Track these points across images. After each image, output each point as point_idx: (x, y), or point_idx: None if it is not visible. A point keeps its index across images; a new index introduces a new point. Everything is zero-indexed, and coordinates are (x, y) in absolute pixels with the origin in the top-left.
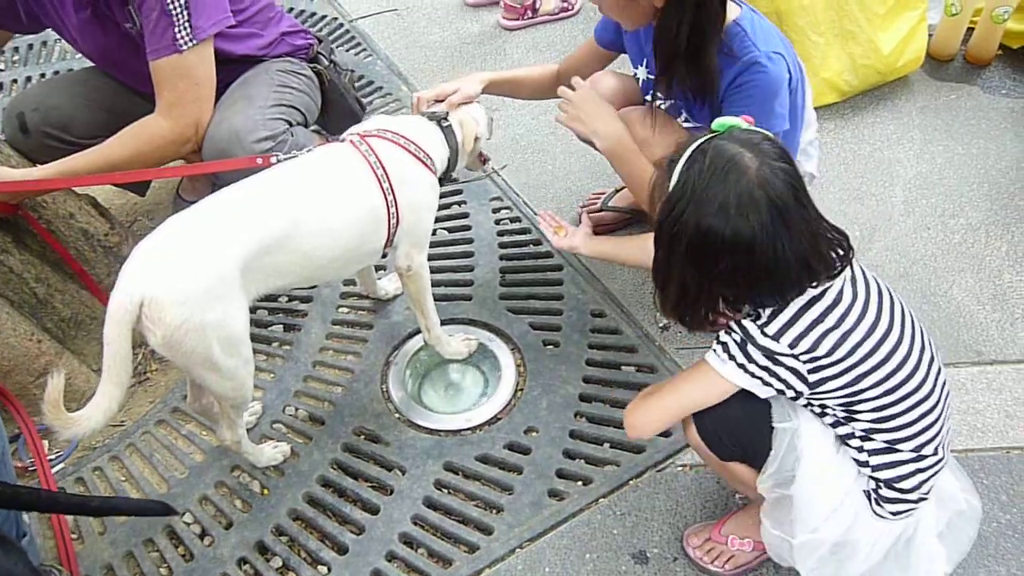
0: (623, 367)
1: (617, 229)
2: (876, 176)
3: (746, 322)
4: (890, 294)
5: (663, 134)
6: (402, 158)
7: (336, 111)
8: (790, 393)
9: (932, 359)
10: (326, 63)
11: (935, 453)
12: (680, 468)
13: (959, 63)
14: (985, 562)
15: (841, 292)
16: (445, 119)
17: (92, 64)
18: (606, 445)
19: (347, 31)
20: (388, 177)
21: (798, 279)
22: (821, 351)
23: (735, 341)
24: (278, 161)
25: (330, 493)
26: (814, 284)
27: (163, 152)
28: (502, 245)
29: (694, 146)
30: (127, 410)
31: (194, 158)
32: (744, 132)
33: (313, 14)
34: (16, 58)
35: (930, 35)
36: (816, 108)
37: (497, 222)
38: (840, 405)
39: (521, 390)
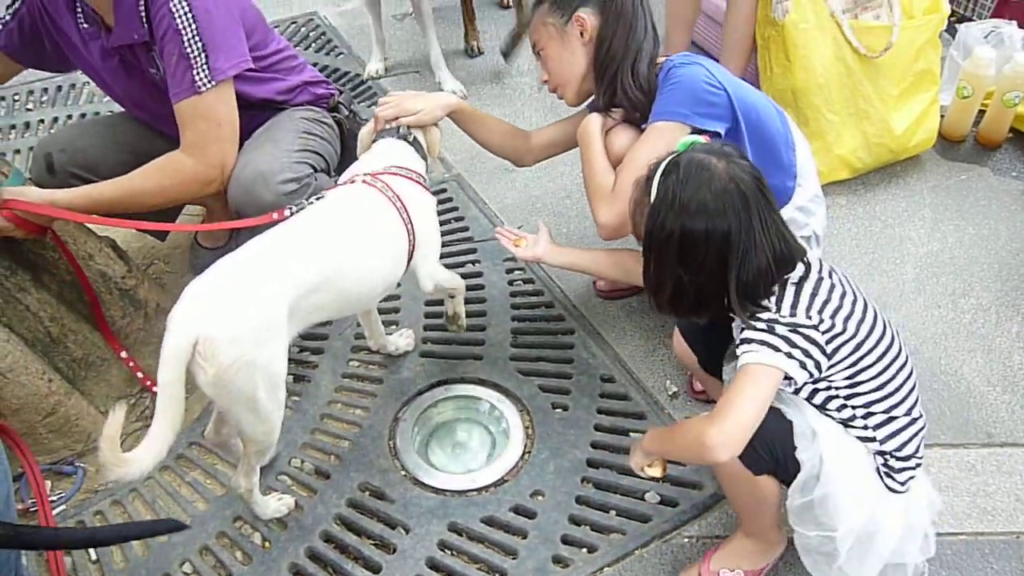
0: (631, 434)
1: (632, 294)
2: (887, 253)
3: (761, 314)
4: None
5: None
6: (409, 188)
7: (351, 159)
8: (816, 372)
9: (887, 323)
10: (346, 113)
11: (920, 414)
12: (687, 539)
13: (970, 144)
14: None
15: (820, 270)
16: (410, 134)
17: (120, 107)
18: (612, 512)
19: (369, 86)
20: (406, 208)
21: (777, 262)
22: (827, 321)
23: (760, 331)
24: (291, 214)
25: (332, 549)
26: (790, 269)
27: (186, 188)
28: (514, 306)
29: (666, 162)
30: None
31: (214, 203)
32: (706, 145)
33: (336, 69)
34: (45, 99)
35: (942, 116)
36: (828, 184)
37: (510, 283)
38: (846, 379)
39: (529, 452)
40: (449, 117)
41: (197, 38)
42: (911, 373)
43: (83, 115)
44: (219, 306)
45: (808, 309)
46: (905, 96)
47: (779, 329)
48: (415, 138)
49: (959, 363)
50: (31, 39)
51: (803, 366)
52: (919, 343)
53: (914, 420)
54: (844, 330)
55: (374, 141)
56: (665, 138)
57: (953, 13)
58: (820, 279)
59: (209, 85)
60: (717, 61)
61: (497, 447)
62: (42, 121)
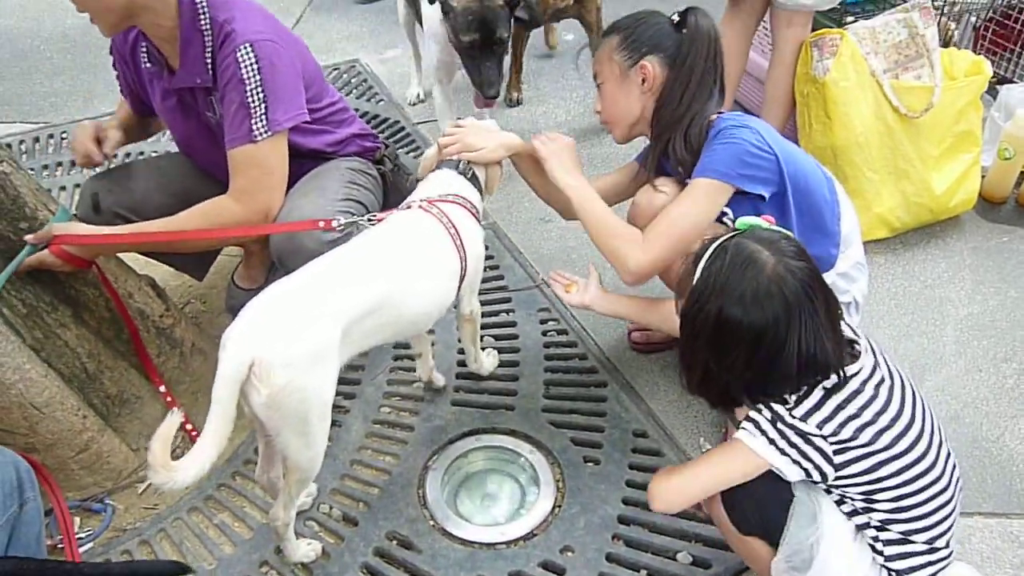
0: None
1: (667, 348)
2: (926, 314)
3: (774, 404)
4: (910, 385)
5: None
6: (464, 217)
7: (389, 207)
8: (816, 476)
9: (948, 454)
10: (391, 166)
11: (946, 546)
12: None
13: (1011, 206)
14: None
15: (864, 383)
16: (469, 169)
17: (169, 151)
18: (643, 572)
19: (408, 133)
20: (460, 235)
21: (803, 372)
22: (845, 435)
23: (766, 419)
24: (339, 226)
25: None
26: (821, 378)
27: (228, 233)
28: (548, 357)
29: (717, 243)
30: (161, 494)
31: (253, 245)
32: (764, 231)
33: (376, 115)
34: None
35: (983, 177)
36: (867, 242)
37: (544, 333)
38: (861, 493)
39: (559, 506)
40: (509, 158)
41: (259, 89)
42: (952, 510)
43: (128, 155)
44: (275, 328)
45: (825, 421)
46: (946, 156)
47: (781, 425)
48: (474, 173)
49: (1001, 429)
50: (126, 82)
51: (797, 464)
52: (960, 407)
53: (935, 550)
54: (867, 443)
55: (435, 169)
56: (707, 196)
57: (994, 75)
58: (856, 392)
59: (265, 135)
60: (758, 117)
61: (527, 500)
62: None
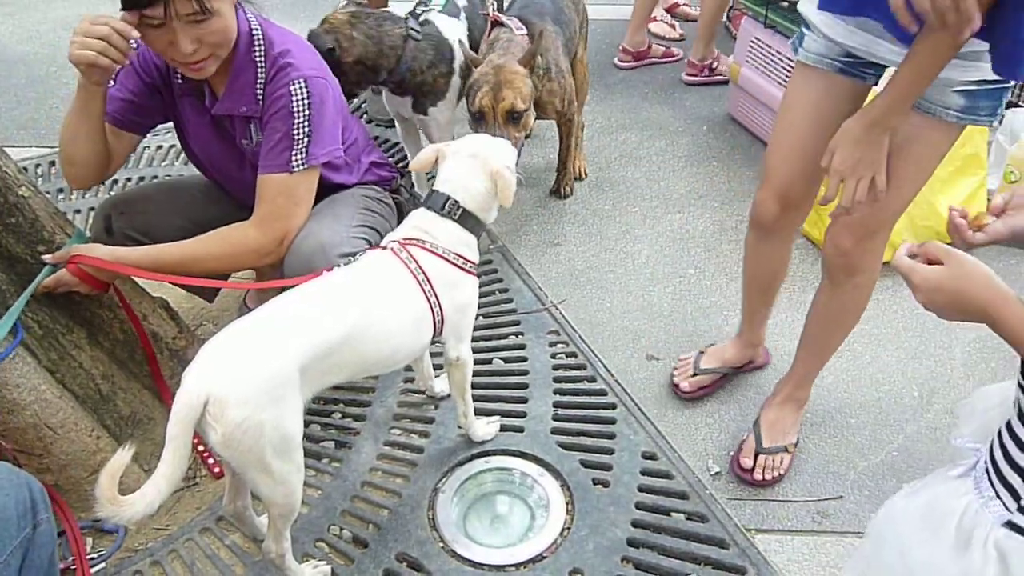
0: (672, 513)
1: (716, 389)
2: (935, 336)
3: None
4: None
5: None
6: (441, 267)
7: None
8: None
9: None
10: (406, 196)
11: None
12: None
13: None
14: None
15: None
16: (458, 209)
17: (183, 175)
18: None
19: None
20: (430, 282)
21: None
22: None
23: None
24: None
25: None
26: None
27: (244, 260)
28: (557, 379)
29: None
30: (173, 514)
31: (268, 270)
32: None
33: (387, 140)
34: None
35: (989, 200)
36: None
37: (553, 355)
38: None
39: (568, 529)
40: None
41: (306, 124)
42: None
43: (142, 178)
44: (229, 366)
45: None
46: (952, 179)
47: None
48: (464, 211)
49: None
50: (133, 95)
51: None
52: None
53: None
54: None
55: (420, 206)
56: None
57: None
58: None
59: (301, 167)
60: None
61: (536, 522)
62: (102, 182)
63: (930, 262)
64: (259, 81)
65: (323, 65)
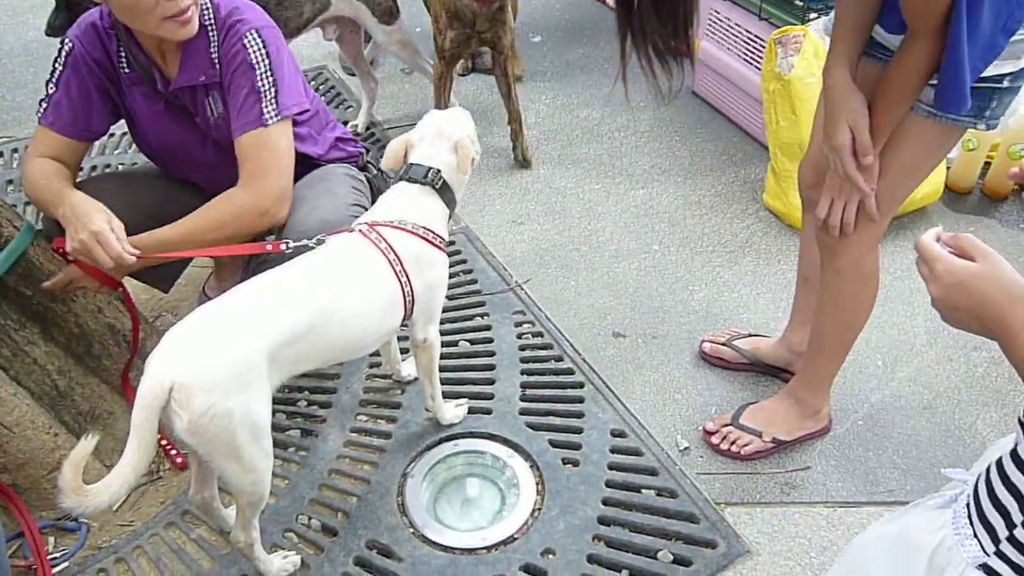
0: (642, 490)
1: (734, 370)
2: (897, 306)
3: None
4: None
5: None
6: (414, 244)
7: None
8: None
9: None
10: (375, 172)
11: None
12: None
13: (976, 196)
14: None
15: None
16: (438, 176)
17: (136, 165)
18: (625, 572)
19: (378, 139)
20: (401, 262)
21: None
22: None
23: None
24: (287, 248)
25: None
26: None
27: (244, 223)
28: (523, 360)
29: None
30: (137, 510)
31: (224, 257)
32: None
33: (346, 122)
34: None
35: (948, 168)
36: None
37: (519, 336)
38: None
39: (539, 509)
40: None
41: (269, 73)
42: None
43: (94, 168)
44: (195, 353)
45: None
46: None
47: None
48: (444, 183)
49: (973, 417)
50: (81, 99)
51: None
52: (932, 397)
53: None
54: None
55: (400, 177)
56: None
57: None
58: None
59: (276, 119)
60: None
61: (507, 503)
62: None
63: (956, 255)
64: (212, 45)
65: (271, 20)
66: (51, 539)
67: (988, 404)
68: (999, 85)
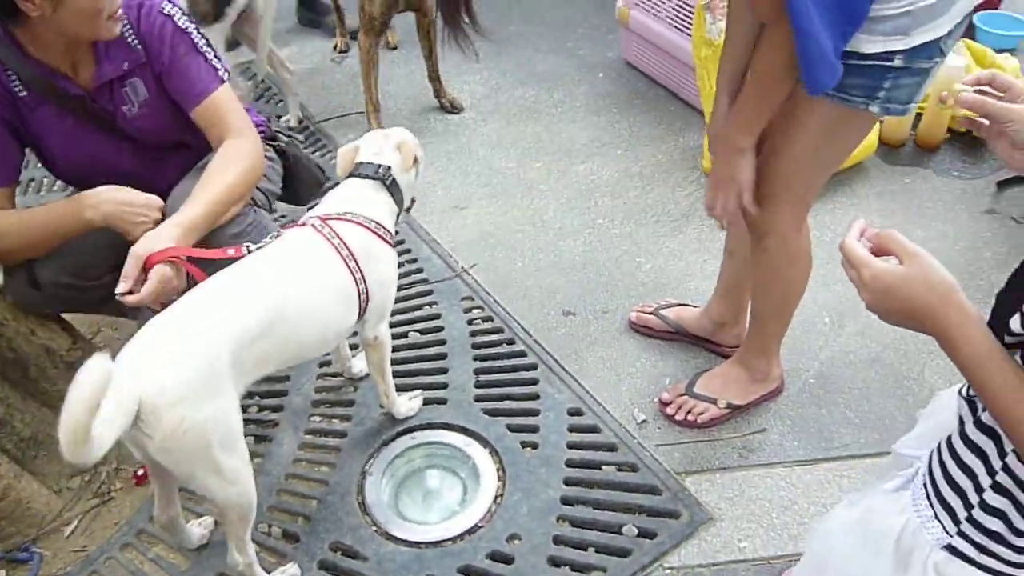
0: (603, 467)
1: (659, 339)
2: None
3: None
4: None
5: None
6: (364, 237)
7: (301, 182)
8: None
9: None
10: (286, 140)
11: None
12: (668, 571)
13: (910, 148)
14: None
15: None
16: (389, 176)
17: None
18: (591, 550)
19: (312, 132)
20: (355, 258)
21: None
22: None
23: None
24: (249, 252)
25: None
26: None
27: (258, 165)
28: (475, 346)
29: None
30: (90, 534)
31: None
32: None
33: (278, 116)
34: None
35: (881, 122)
36: None
37: (469, 322)
38: None
39: (501, 496)
40: None
41: (200, 35)
42: None
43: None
44: (156, 368)
45: None
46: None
47: None
48: (394, 180)
49: (920, 366)
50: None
51: None
52: (880, 350)
53: None
54: None
55: (350, 176)
56: None
57: None
58: None
59: (226, 75)
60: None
61: (469, 492)
62: None
63: (879, 253)
64: (127, 30)
65: None
66: (2, 572)
67: (934, 352)
68: (890, 63)
